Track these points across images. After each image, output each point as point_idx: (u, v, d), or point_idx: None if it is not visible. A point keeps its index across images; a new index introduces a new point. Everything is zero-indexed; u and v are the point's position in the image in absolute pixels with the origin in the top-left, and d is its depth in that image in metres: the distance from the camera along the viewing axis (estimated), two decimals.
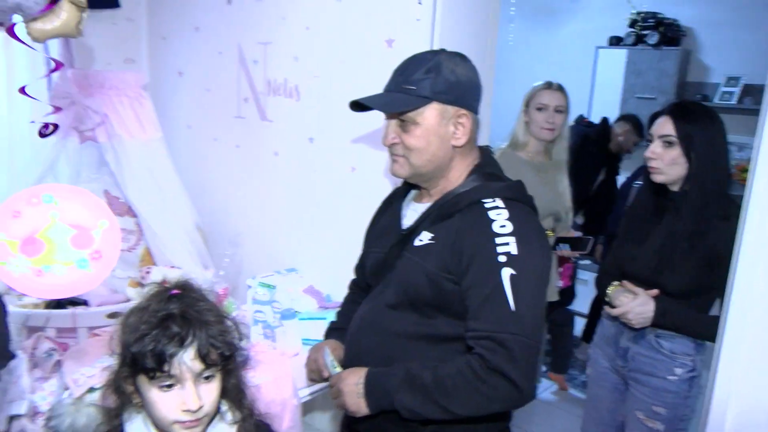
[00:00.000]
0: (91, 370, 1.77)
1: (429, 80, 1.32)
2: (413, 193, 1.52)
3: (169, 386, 1.08)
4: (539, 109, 2.42)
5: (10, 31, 1.56)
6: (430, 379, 1.27)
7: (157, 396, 1.08)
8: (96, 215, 1.04)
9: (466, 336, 1.28)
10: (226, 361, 1.12)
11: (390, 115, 1.39)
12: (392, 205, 1.56)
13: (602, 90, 4.88)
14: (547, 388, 3.77)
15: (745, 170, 4.08)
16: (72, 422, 1.68)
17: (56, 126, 1.97)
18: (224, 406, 1.21)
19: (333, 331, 1.65)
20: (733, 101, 4.30)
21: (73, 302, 2.17)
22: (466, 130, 1.36)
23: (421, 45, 1.92)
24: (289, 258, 2.41)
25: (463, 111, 1.35)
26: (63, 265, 1.01)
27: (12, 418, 1.85)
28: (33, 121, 1.98)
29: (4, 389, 1.84)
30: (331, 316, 1.99)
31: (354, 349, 1.49)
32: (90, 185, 2.61)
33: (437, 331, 1.36)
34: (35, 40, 1.60)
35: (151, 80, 2.89)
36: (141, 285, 2.30)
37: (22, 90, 1.85)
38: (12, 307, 2.00)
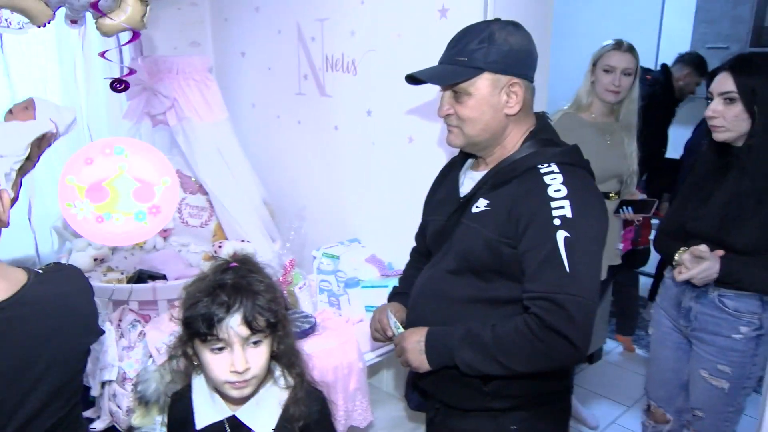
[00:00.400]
0: (173, 338, 1.91)
1: (481, 51, 1.34)
2: (470, 161, 1.55)
3: (220, 349, 1.19)
4: (606, 71, 2.35)
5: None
6: (490, 337, 1.32)
7: (210, 358, 1.20)
8: (161, 172, 1.13)
9: (523, 297, 1.31)
10: (273, 329, 1.20)
11: (444, 87, 1.42)
12: (450, 174, 1.59)
13: (670, 42, 4.67)
14: (613, 349, 3.75)
15: None
16: (157, 387, 1.83)
17: (128, 84, 2.08)
18: (278, 371, 1.31)
19: (396, 296, 1.72)
20: None
21: (153, 276, 2.34)
22: (519, 98, 1.37)
23: (474, 12, 1.93)
24: (351, 229, 2.49)
25: (516, 80, 1.36)
26: (122, 214, 1.11)
27: (104, 383, 2.04)
28: (107, 78, 2.11)
29: (96, 358, 2.02)
30: (393, 283, 2.07)
31: (415, 314, 1.55)
32: None
33: (496, 294, 1.39)
34: (104, 34, 1.71)
35: (215, 62, 3.00)
36: (214, 259, 2.44)
37: (102, 54, 1.97)
38: (97, 283, 2.18)
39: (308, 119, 2.63)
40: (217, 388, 1.26)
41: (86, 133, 2.62)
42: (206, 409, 1.31)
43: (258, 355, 1.21)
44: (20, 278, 1.10)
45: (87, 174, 1.14)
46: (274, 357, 1.28)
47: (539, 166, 1.34)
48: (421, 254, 1.70)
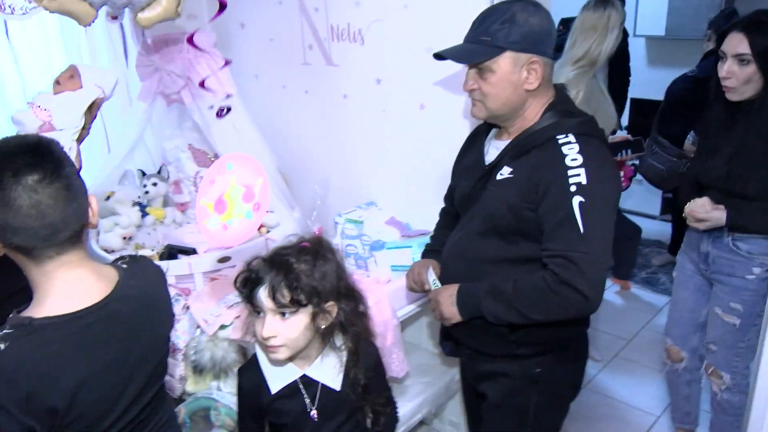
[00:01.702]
0: (218, 309, 2.03)
1: (503, 30, 1.46)
2: (494, 131, 1.68)
3: (258, 313, 1.35)
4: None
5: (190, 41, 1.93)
6: (511, 290, 1.49)
7: (255, 320, 1.37)
8: (256, 174, 1.27)
9: (542, 255, 1.47)
10: (300, 305, 1.32)
11: (470, 65, 1.53)
12: (476, 142, 1.72)
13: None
14: (609, 287, 3.97)
15: None
16: (212, 356, 1.96)
17: (230, 108, 2.36)
18: (339, 340, 1.46)
19: (430, 252, 1.88)
20: None
21: (183, 251, 2.44)
22: (539, 75, 1.49)
23: None
24: (366, 193, 2.60)
25: (536, 57, 1.48)
26: (237, 217, 1.25)
27: None
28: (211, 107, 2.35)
29: None
30: (415, 243, 2.21)
31: (447, 273, 1.71)
32: (174, 141, 2.84)
33: (519, 253, 1.55)
34: (142, 27, 1.77)
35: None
36: None
37: (114, 18, 2.07)
38: None
39: (316, 89, 2.70)
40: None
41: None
42: (277, 373, 1.45)
43: (287, 327, 1.33)
44: (113, 275, 1.21)
45: (212, 192, 1.28)
46: (333, 326, 1.42)
47: (558, 137, 1.47)
48: (450, 215, 1.85)
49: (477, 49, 1.50)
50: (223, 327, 1.97)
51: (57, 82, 1.90)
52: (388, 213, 2.45)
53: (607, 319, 3.62)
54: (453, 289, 1.61)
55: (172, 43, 2.41)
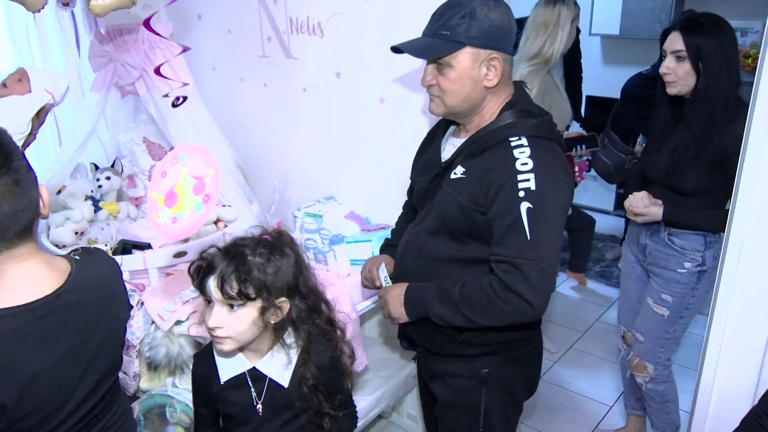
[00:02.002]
0: (173, 305, 2.00)
1: (463, 25, 1.42)
2: (452, 128, 1.67)
3: (208, 302, 1.33)
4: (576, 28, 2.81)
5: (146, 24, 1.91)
6: (458, 294, 1.47)
7: (205, 309, 1.34)
8: (207, 165, 1.24)
9: (490, 259, 1.45)
10: (248, 299, 1.29)
11: (428, 60, 1.51)
12: (435, 137, 1.71)
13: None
14: (564, 281, 4.05)
15: (748, 56, 4.17)
16: (167, 352, 1.93)
17: (185, 98, 2.29)
18: (290, 337, 1.43)
19: (387, 248, 1.87)
20: None
21: (137, 246, 2.38)
22: (498, 71, 1.46)
23: None
24: (326, 187, 2.59)
25: (495, 54, 1.45)
26: (187, 210, 1.22)
27: None
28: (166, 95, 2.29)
29: None
30: (374, 237, 2.21)
31: (400, 269, 1.70)
32: (128, 134, 2.78)
33: (470, 255, 1.53)
34: (96, 15, 1.72)
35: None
36: None
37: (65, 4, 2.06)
38: None
39: (274, 82, 2.68)
40: None
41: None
42: (228, 363, 1.44)
43: (234, 319, 1.31)
44: (65, 267, 1.18)
45: (163, 185, 1.25)
46: (280, 322, 1.39)
47: (510, 139, 1.44)
48: (411, 209, 1.84)
49: (436, 43, 1.46)
50: (179, 322, 1.94)
51: (3, 85, 1.84)
52: (347, 207, 2.45)
53: (562, 312, 3.70)
54: (401, 289, 1.59)
55: (126, 33, 2.35)
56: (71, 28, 2.65)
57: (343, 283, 2.10)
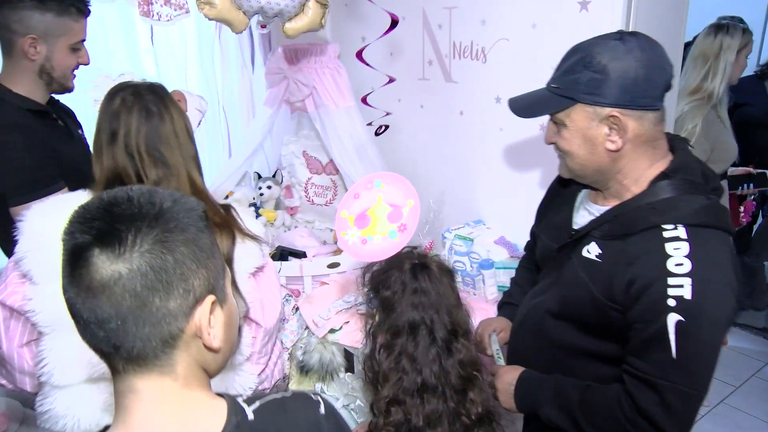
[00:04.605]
0: (326, 313, 2.09)
1: (575, 77, 1.23)
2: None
3: None
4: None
5: (358, 55, 2.00)
6: (578, 402, 1.27)
7: None
8: (406, 196, 1.30)
9: (623, 368, 1.22)
10: None
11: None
12: (566, 190, 1.48)
13: None
14: None
15: None
16: (320, 357, 2.02)
17: (387, 126, 2.44)
18: None
19: (505, 305, 1.72)
20: None
21: (293, 253, 2.52)
22: (625, 132, 1.21)
23: (616, 6, 1.96)
24: (475, 210, 2.59)
25: (617, 111, 1.20)
26: (380, 235, 1.28)
27: None
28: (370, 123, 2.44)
29: None
30: None
31: (515, 344, 1.55)
32: (290, 147, 2.95)
33: (600, 350, 1.30)
34: (288, 37, 1.86)
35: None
36: None
37: (263, 27, 2.21)
38: None
39: (431, 104, 2.73)
40: None
41: (221, 116, 2.82)
42: None
43: None
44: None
45: (355, 206, 1.33)
46: None
47: (664, 227, 1.17)
48: (532, 262, 1.68)
49: (545, 99, 1.28)
50: (332, 331, 2.02)
51: None
52: (497, 232, 2.43)
53: None
54: (513, 376, 1.39)
55: (301, 53, 2.50)
56: (248, 49, 2.88)
57: (493, 308, 2.08)
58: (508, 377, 1.41)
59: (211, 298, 0.78)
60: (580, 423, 1.25)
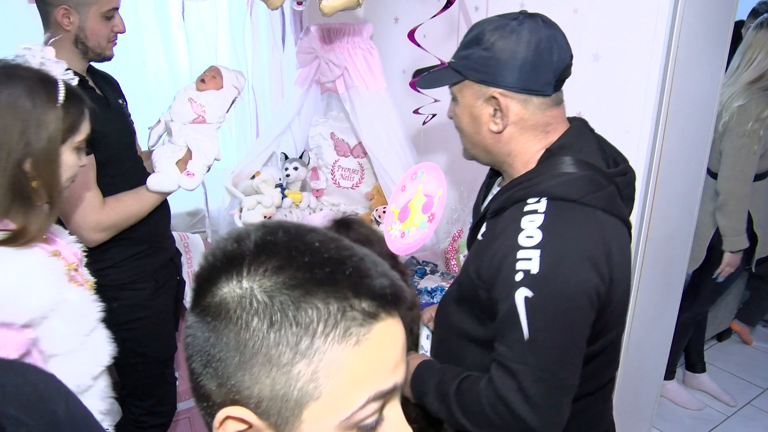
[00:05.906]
0: None
1: (468, 52, 1.19)
2: None
3: None
4: None
5: (410, 36, 1.94)
6: (454, 394, 1.18)
7: None
8: (438, 185, 1.25)
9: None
10: None
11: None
12: (490, 179, 1.46)
13: None
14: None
15: None
16: None
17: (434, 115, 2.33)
18: None
19: None
20: None
21: None
22: (507, 113, 1.16)
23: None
24: None
25: (499, 91, 1.15)
26: (414, 226, 1.23)
27: None
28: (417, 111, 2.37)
29: None
30: None
31: (435, 334, 1.48)
32: (318, 128, 2.92)
33: (485, 335, 1.22)
34: (324, 14, 1.82)
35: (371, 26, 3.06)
36: (377, 223, 2.57)
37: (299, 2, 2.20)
38: None
39: None
40: None
41: (251, 95, 2.80)
42: None
43: None
44: None
45: (401, 199, 1.28)
46: None
47: (528, 201, 1.12)
48: None
49: (444, 72, 1.23)
50: None
51: (202, 80, 2.01)
52: None
53: (740, 362, 3.37)
54: (413, 365, 1.29)
55: (334, 33, 2.46)
56: (279, 27, 2.84)
57: None
58: (411, 364, 1.31)
59: None
60: (454, 413, 1.16)
